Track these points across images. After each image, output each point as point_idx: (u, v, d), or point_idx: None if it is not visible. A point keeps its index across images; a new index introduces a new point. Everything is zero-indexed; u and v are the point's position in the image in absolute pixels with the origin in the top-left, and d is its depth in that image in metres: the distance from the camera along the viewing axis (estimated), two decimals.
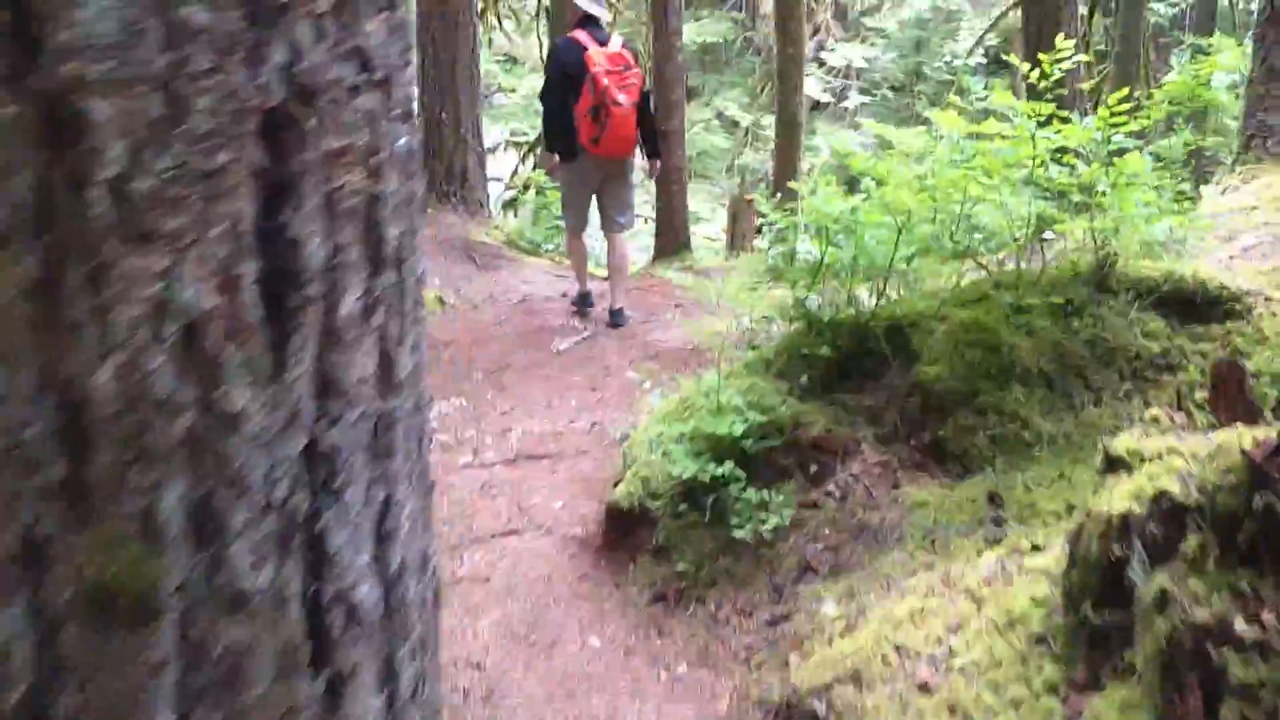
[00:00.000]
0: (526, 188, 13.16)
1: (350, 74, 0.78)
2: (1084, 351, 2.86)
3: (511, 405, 4.76)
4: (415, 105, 0.89)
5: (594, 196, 5.79)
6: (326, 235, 0.77)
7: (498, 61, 22.11)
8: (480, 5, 13.24)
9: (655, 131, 5.83)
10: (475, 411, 4.73)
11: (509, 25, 14.50)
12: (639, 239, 11.31)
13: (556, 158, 6.00)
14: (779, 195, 7.64)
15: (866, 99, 23.31)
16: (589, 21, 5.65)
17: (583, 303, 5.96)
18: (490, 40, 15.59)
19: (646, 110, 5.62)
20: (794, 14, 7.37)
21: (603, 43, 5.53)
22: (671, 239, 7.32)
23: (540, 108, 5.91)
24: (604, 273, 6.33)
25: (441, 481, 3.85)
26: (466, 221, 8.47)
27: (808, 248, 6.61)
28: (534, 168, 6.51)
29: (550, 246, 8.31)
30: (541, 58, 13.18)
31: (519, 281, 7.27)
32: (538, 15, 12.86)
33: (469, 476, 3.84)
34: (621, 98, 5.36)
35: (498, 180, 15.10)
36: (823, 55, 22.61)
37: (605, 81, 5.33)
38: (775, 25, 7.58)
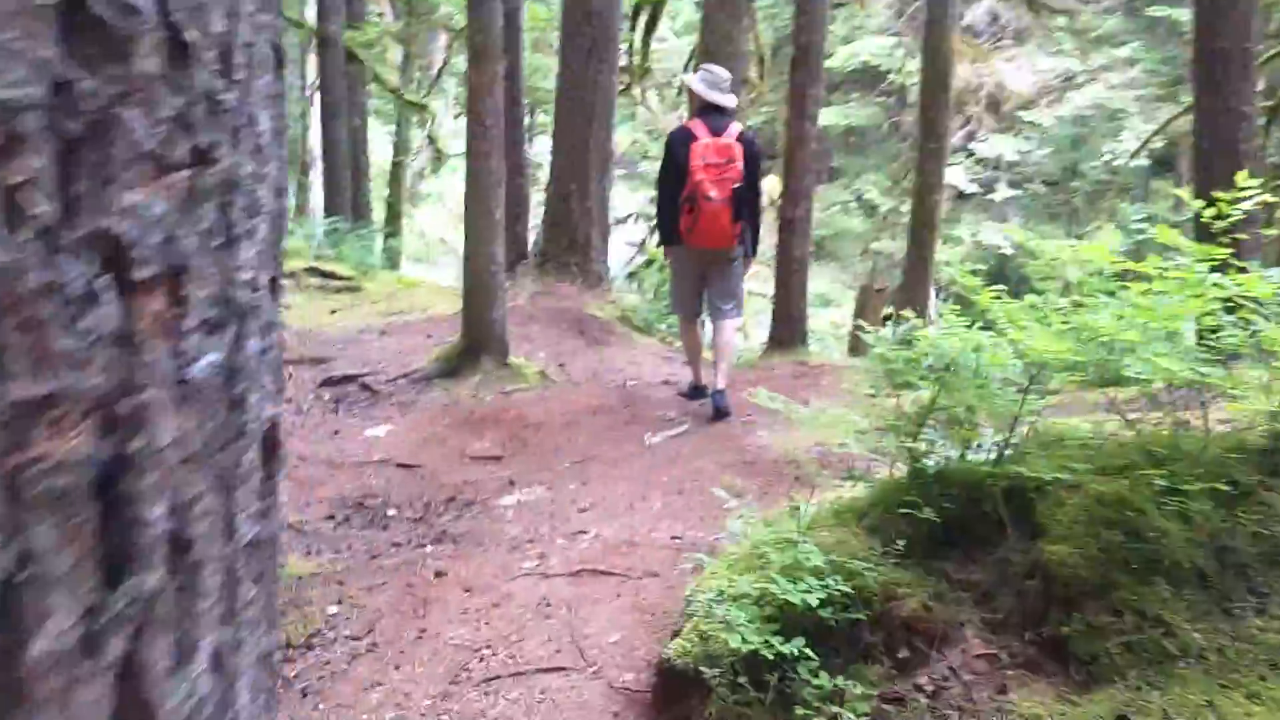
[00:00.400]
0: (650, 263, 13.07)
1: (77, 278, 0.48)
2: (1249, 548, 2.36)
3: (591, 502, 4.45)
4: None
5: (700, 285, 5.57)
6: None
7: (648, 132, 22.40)
8: (626, 80, 13.32)
9: (756, 229, 5.55)
10: (554, 505, 4.44)
11: (654, 100, 14.52)
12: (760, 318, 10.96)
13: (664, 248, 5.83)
14: (908, 301, 7.20)
15: (1016, 192, 22.55)
16: (711, 109, 5.42)
17: (695, 394, 5.69)
18: (635, 115, 15.70)
19: (746, 206, 5.30)
20: (939, 104, 6.98)
21: (717, 132, 5.27)
22: (788, 330, 6.95)
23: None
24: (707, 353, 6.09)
25: (499, 589, 3.56)
26: (583, 294, 8.30)
27: (922, 371, 6.19)
28: (658, 244, 6.37)
29: (663, 326, 8.04)
30: None
31: (625, 361, 7.01)
32: (681, 93, 12.79)
33: (528, 588, 3.53)
34: (713, 193, 5.14)
35: (631, 245, 15.09)
36: (973, 145, 21.96)
37: (700, 176, 5.13)
38: (919, 116, 7.19)
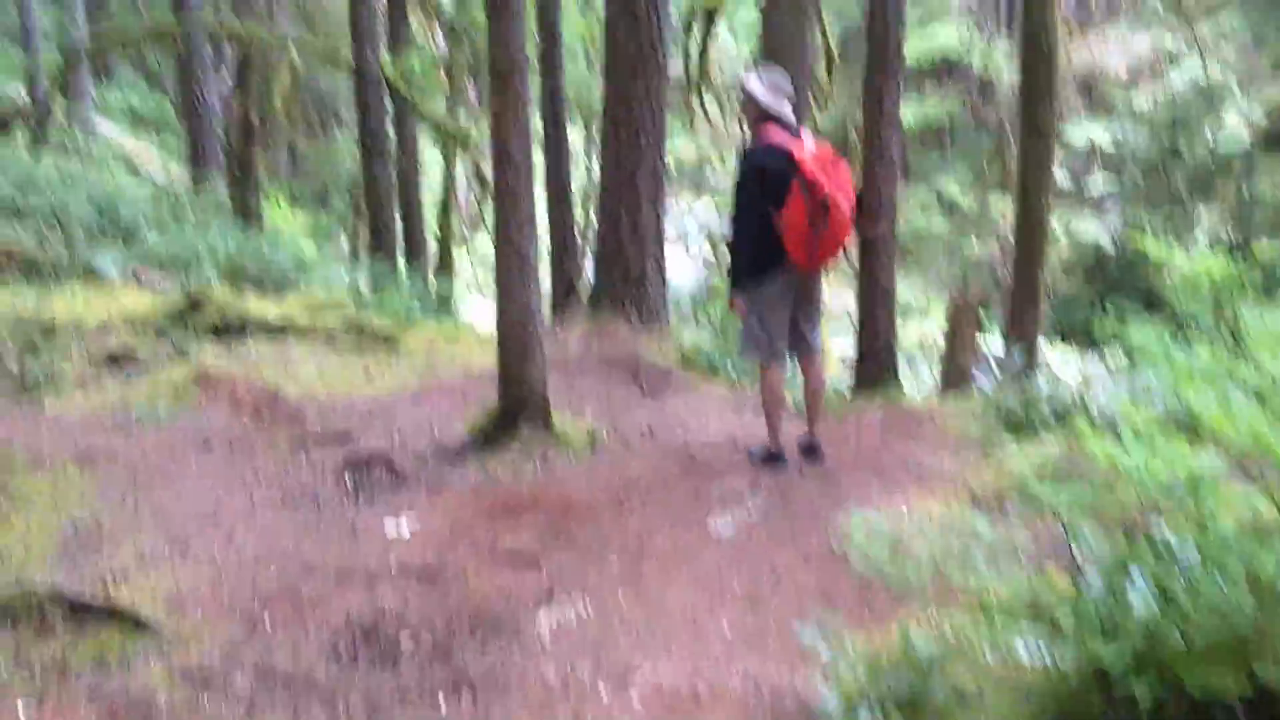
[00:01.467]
0: (705, 303, 12.17)
1: None
2: None
3: (644, 618, 3.60)
4: None
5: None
6: None
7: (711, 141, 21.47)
8: (683, 92, 12.50)
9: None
10: (598, 627, 3.60)
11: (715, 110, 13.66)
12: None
13: (734, 296, 4.96)
14: (1015, 324, 6.22)
15: (1113, 184, 21.07)
16: (774, 119, 4.68)
17: (770, 462, 4.84)
18: (690, 121, 14.87)
19: (860, 208, 4.75)
20: (1043, 92, 5.97)
21: (797, 142, 4.61)
22: (875, 366, 6.02)
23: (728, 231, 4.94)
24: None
25: None
26: (639, 334, 7.48)
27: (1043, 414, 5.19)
28: (733, 285, 5.37)
29: (729, 366, 7.16)
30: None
31: (686, 413, 6.15)
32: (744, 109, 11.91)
33: None
34: (841, 199, 4.53)
35: (704, 265, 14.20)
36: (1063, 132, 20.56)
37: (827, 187, 4.47)
38: (1020, 112, 6.20)
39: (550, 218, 7.88)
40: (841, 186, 4.49)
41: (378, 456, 5.32)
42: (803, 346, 4.91)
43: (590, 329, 7.54)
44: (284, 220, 17.14)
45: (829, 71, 11.57)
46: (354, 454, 5.36)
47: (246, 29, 12.19)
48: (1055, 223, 20.88)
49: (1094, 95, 22.23)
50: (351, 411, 6.07)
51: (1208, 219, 19.83)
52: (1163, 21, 20.31)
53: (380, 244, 11.13)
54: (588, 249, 12.30)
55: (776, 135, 4.63)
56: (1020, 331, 6.24)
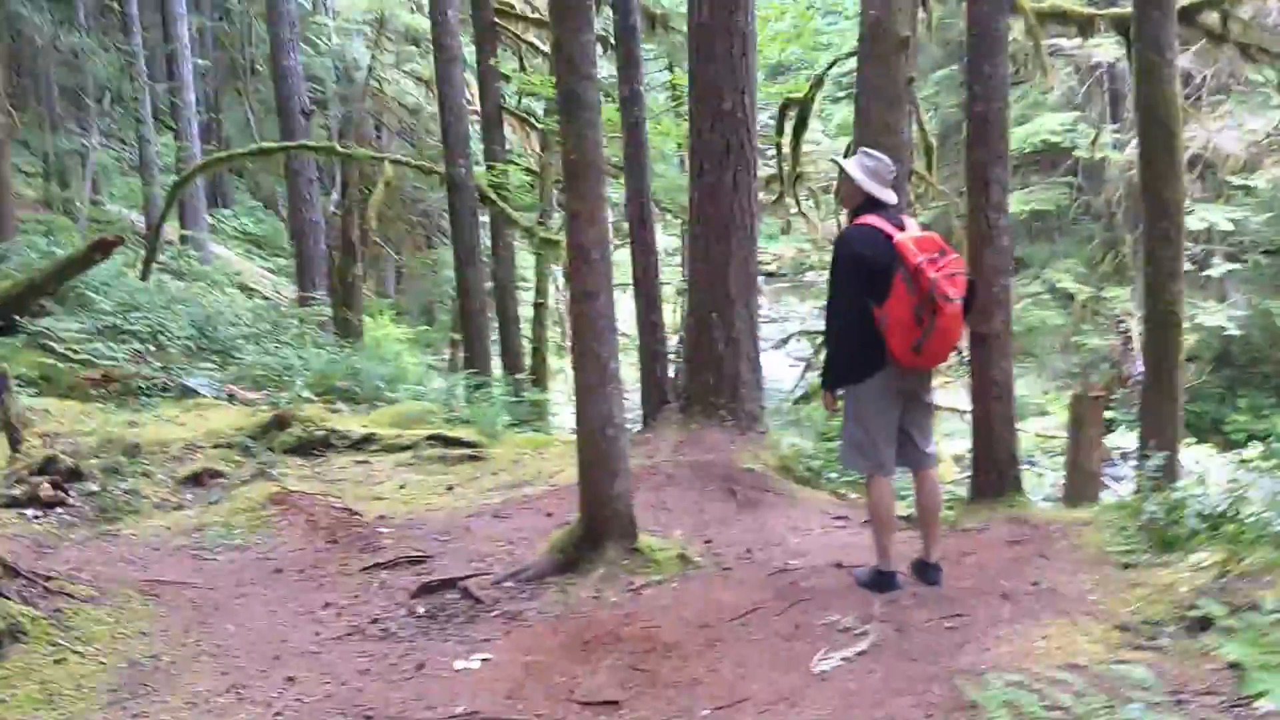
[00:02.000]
0: (806, 398, 11.64)
1: None
2: None
3: None
4: None
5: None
6: None
7: (811, 241, 21.14)
8: (778, 189, 12.25)
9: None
10: None
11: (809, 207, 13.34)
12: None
13: (828, 394, 4.51)
14: (1151, 423, 5.58)
15: (1235, 265, 19.89)
16: (876, 206, 4.28)
17: (881, 584, 4.27)
18: (789, 225, 14.60)
19: (971, 301, 4.26)
20: (1165, 172, 5.43)
21: (901, 227, 4.19)
22: (994, 476, 5.39)
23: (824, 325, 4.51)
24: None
25: None
26: (733, 440, 7.02)
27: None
28: (831, 384, 4.86)
29: (832, 475, 6.61)
30: None
31: (785, 528, 5.63)
32: (837, 194, 11.55)
33: None
34: (952, 291, 4.01)
35: (798, 362, 13.67)
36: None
37: (932, 273, 3.97)
38: (1143, 194, 5.67)
39: (639, 321, 7.56)
40: (951, 278, 4.00)
41: (453, 581, 4.95)
42: (915, 456, 4.36)
43: (681, 436, 7.12)
44: (385, 334, 17.35)
45: (929, 165, 11.16)
46: (428, 580, 4.99)
47: (345, 146, 12.49)
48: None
49: (1208, 179, 21.24)
50: (430, 530, 5.73)
51: None
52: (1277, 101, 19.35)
53: (474, 354, 11.00)
54: (678, 353, 12.00)
55: (871, 219, 4.21)
56: (1156, 429, 5.57)
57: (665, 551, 4.99)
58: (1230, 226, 19.57)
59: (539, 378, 12.82)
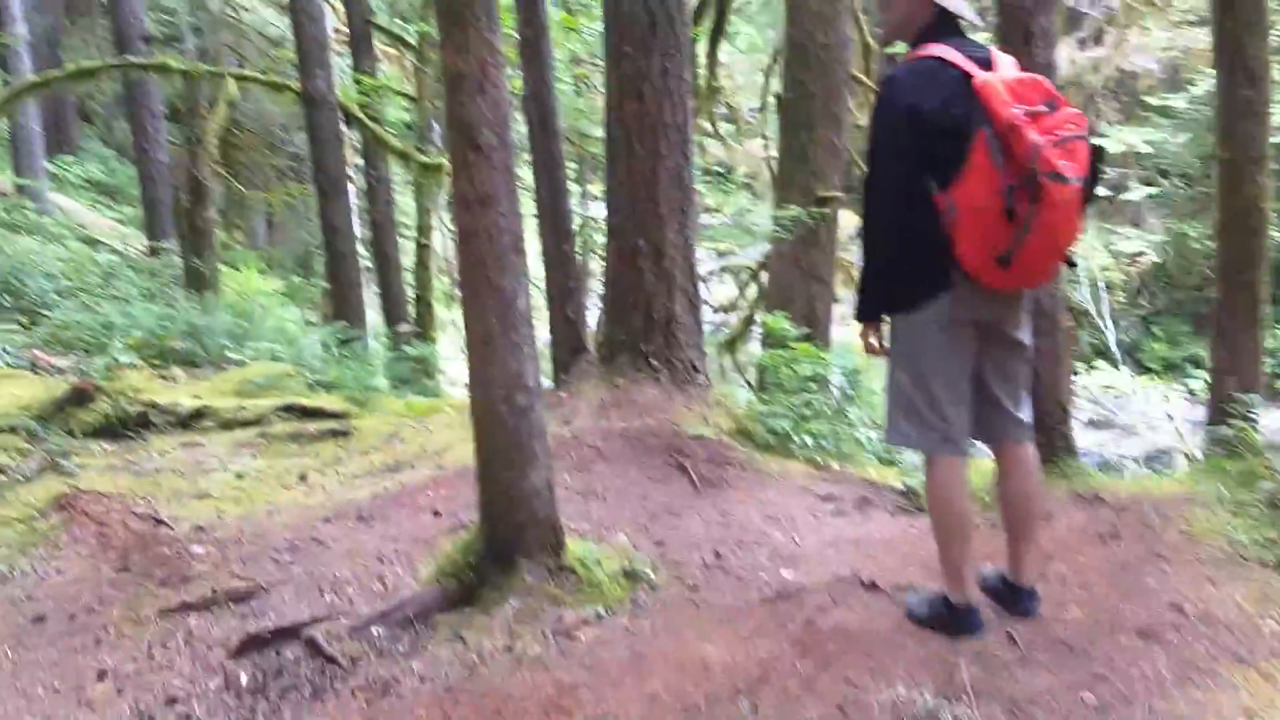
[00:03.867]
0: (749, 322, 10.22)
1: None
2: None
3: None
4: None
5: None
6: None
7: (719, 172, 19.61)
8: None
9: None
10: None
11: (726, 129, 11.80)
12: None
13: (868, 329, 2.98)
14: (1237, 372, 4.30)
15: (1151, 189, 19.26)
16: (946, 29, 2.82)
17: (960, 625, 2.79)
18: (701, 146, 13.07)
19: (1093, 189, 2.63)
20: (1256, 33, 4.10)
21: (987, 64, 2.70)
22: (1040, 436, 4.00)
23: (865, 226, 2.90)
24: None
25: None
26: (671, 398, 5.52)
27: None
28: (867, 314, 3.07)
29: (806, 440, 5.17)
30: (768, 163, 10.33)
31: (761, 519, 4.17)
32: (762, 109, 10.02)
33: None
34: (1067, 166, 2.48)
35: (717, 312, 12.23)
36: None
37: (1036, 137, 2.46)
38: (1218, 51, 4.33)
39: (546, 255, 5.97)
40: (1066, 145, 2.50)
41: (293, 630, 3.34)
42: (999, 424, 2.90)
43: (606, 394, 5.59)
44: (251, 287, 15.31)
45: (866, 68, 9.74)
46: (257, 630, 3.38)
47: (180, 63, 10.40)
48: (1094, 238, 19.04)
49: (1124, 100, 20.52)
50: (267, 544, 4.09)
51: None
52: (1193, 17, 18.57)
53: (345, 303, 9.22)
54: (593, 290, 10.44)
55: (944, 50, 2.71)
56: (1234, 363, 4.29)
57: (605, 566, 3.48)
58: (1148, 148, 18.88)
59: (424, 329, 11.06)
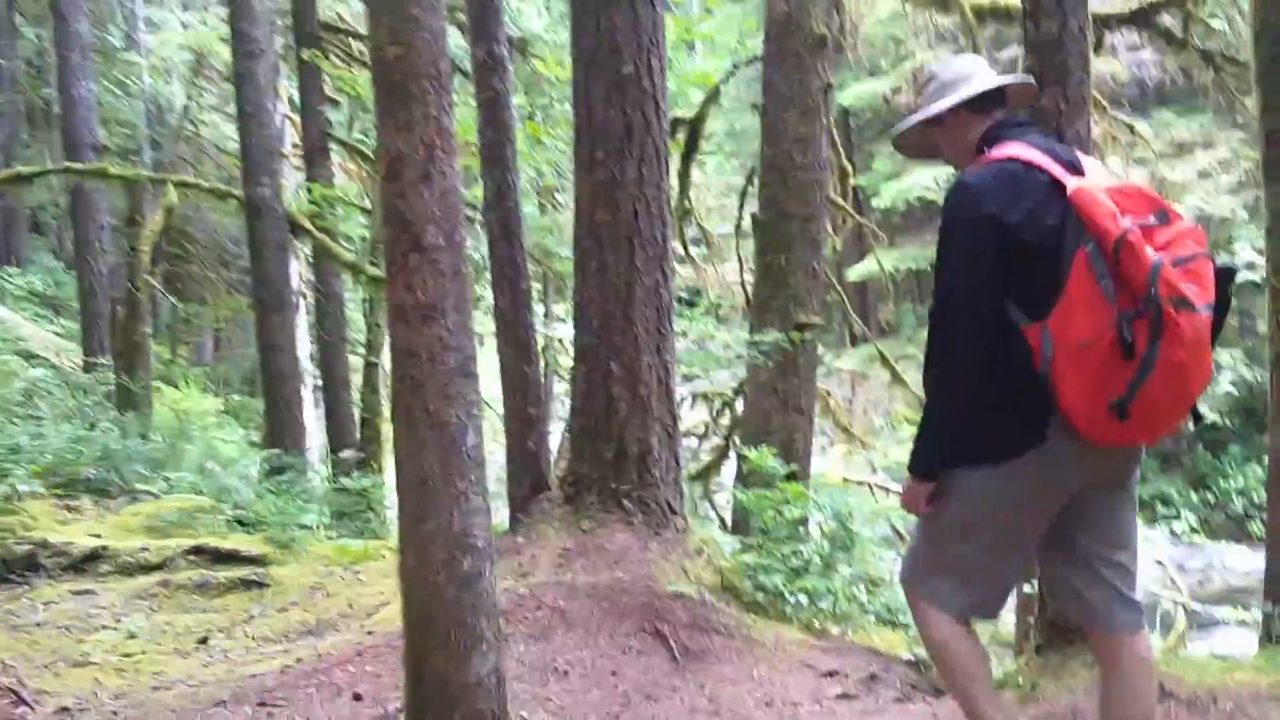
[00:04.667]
0: (724, 454, 9.55)
1: None
2: None
3: None
4: None
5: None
6: None
7: (686, 299, 19.21)
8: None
9: None
10: None
11: (696, 251, 11.38)
12: None
13: (918, 480, 2.37)
14: None
15: None
16: (1011, 128, 2.39)
17: None
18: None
19: (1222, 318, 2.16)
20: None
21: (1072, 166, 2.22)
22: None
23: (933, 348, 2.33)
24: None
25: None
26: (647, 546, 4.80)
27: None
28: (927, 468, 2.34)
29: (802, 601, 4.43)
30: (743, 286, 9.86)
31: (756, 703, 3.42)
32: (737, 230, 9.60)
33: None
34: (1194, 291, 2.03)
35: (687, 438, 11.51)
36: None
37: (1154, 256, 2.02)
38: (1263, 120, 3.88)
39: (504, 376, 5.31)
40: (1188, 265, 2.04)
41: None
42: (1102, 604, 2.30)
43: (570, 541, 4.85)
44: (191, 406, 14.45)
45: (844, 191, 9.40)
46: None
47: (119, 169, 9.83)
48: None
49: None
50: None
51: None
52: (1158, 157, 18.82)
53: (281, 426, 8.43)
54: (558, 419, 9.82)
55: (1030, 154, 2.22)
56: None
57: None
58: None
59: (371, 457, 10.25)
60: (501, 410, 5.49)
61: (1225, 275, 2.09)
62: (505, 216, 5.27)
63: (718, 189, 12.55)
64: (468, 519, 2.68)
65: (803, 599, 4.38)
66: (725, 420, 9.27)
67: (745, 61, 9.09)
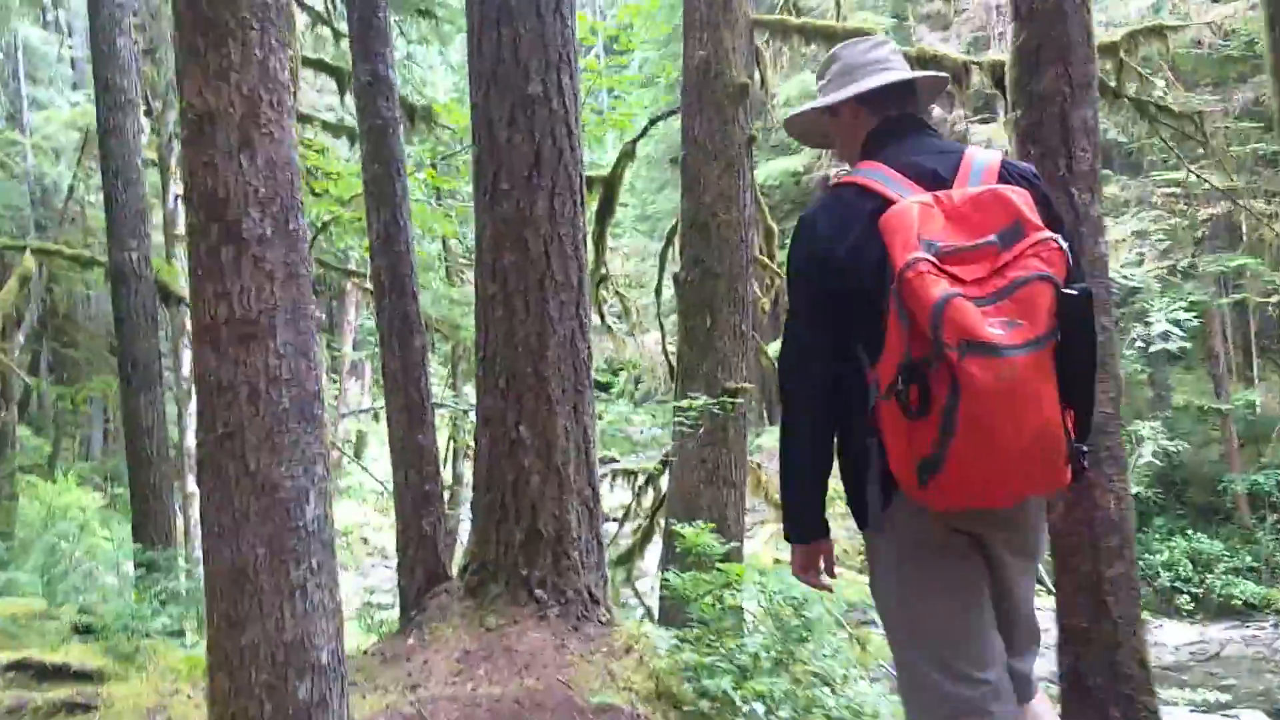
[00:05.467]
0: (649, 535, 8.77)
1: None
2: None
3: None
4: None
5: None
6: None
7: (612, 369, 18.53)
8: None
9: (1090, 412, 1.97)
10: None
11: (617, 322, 10.72)
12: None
13: (799, 547, 2.27)
14: None
15: None
16: (887, 127, 2.16)
17: None
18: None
19: (1083, 352, 1.87)
20: None
21: (940, 177, 1.99)
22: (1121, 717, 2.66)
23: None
24: None
25: None
26: (565, 644, 4.00)
27: None
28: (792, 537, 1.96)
29: (757, 710, 3.66)
30: (665, 353, 9.24)
31: None
32: (658, 293, 8.99)
33: None
34: (999, 330, 1.75)
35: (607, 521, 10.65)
36: None
37: (935, 291, 1.77)
38: None
39: (394, 448, 4.51)
40: (1014, 294, 1.78)
41: None
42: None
43: (472, 641, 4.02)
44: (67, 501, 13.15)
45: (770, 251, 8.91)
46: None
47: None
48: None
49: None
50: None
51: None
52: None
53: (147, 517, 7.40)
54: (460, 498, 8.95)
55: (879, 172, 2.02)
56: None
57: None
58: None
59: None
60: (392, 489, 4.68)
61: (1075, 298, 1.78)
62: (395, 262, 4.54)
63: (634, 254, 12.00)
64: (306, 623, 1.89)
65: (758, 707, 3.60)
66: (649, 499, 8.52)
67: (662, 115, 8.60)
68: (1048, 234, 1.81)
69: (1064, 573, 2.77)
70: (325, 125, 10.41)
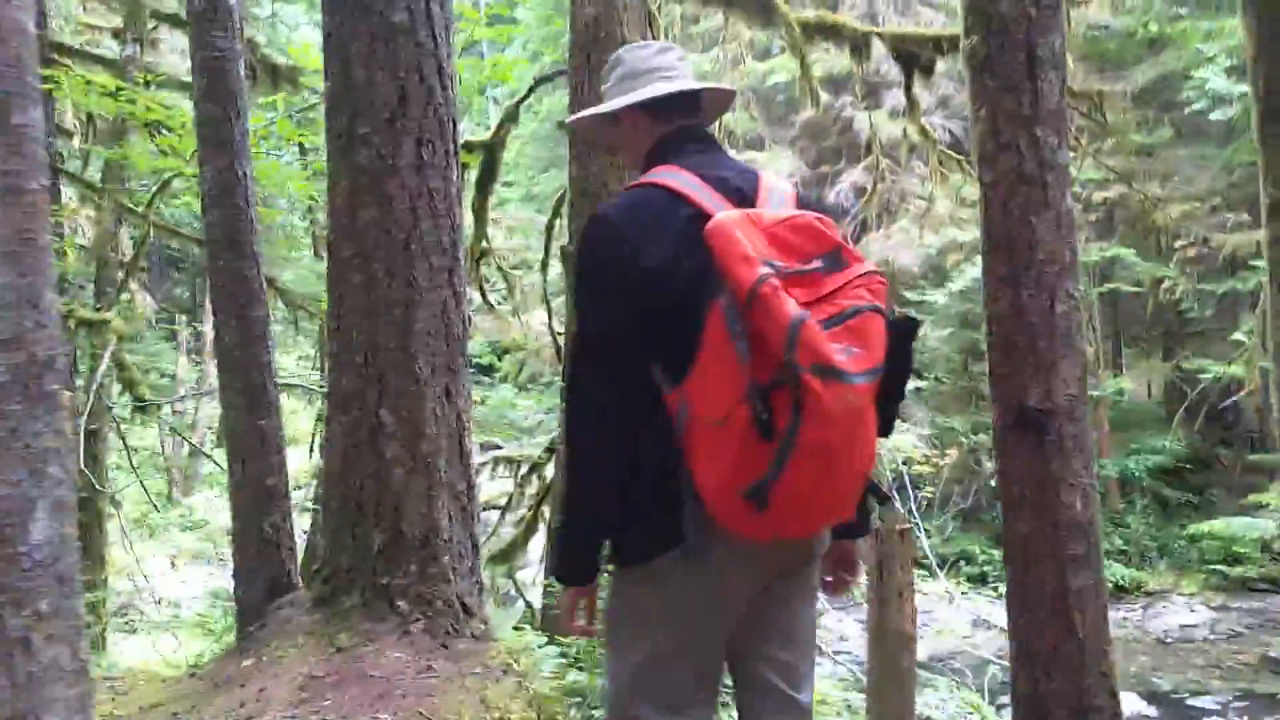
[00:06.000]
0: (532, 529, 8.21)
1: None
2: None
3: None
4: None
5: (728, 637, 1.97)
6: None
7: (495, 351, 17.86)
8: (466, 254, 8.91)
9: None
10: None
11: (496, 296, 10.10)
12: None
13: (569, 583, 2.02)
14: None
15: (918, 383, 19.28)
16: (681, 135, 2.00)
17: None
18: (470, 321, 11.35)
19: (901, 382, 1.82)
20: None
21: (742, 192, 1.88)
22: None
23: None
24: None
25: None
26: (432, 665, 3.44)
27: None
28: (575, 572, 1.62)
29: None
30: (551, 333, 8.69)
31: None
32: (544, 268, 8.41)
33: None
34: (843, 357, 1.65)
35: (493, 509, 10.01)
36: None
37: (795, 311, 1.64)
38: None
39: (230, 438, 3.85)
40: (848, 323, 1.70)
41: None
42: (759, 707, 2.02)
43: (321, 663, 3.42)
44: None
45: None
46: None
47: None
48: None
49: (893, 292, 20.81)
50: None
51: None
52: (953, 219, 19.23)
53: None
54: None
55: (676, 175, 1.88)
56: None
57: None
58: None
59: (88, 550, 8.18)
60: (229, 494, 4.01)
61: (904, 329, 1.80)
62: (232, 218, 3.86)
63: (519, 227, 11.38)
64: (32, 693, 1.30)
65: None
66: (533, 488, 7.97)
67: (549, 75, 8.01)
68: (872, 266, 1.79)
69: (1022, 585, 2.36)
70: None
